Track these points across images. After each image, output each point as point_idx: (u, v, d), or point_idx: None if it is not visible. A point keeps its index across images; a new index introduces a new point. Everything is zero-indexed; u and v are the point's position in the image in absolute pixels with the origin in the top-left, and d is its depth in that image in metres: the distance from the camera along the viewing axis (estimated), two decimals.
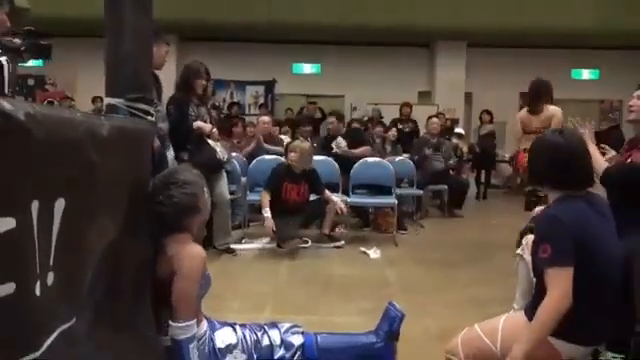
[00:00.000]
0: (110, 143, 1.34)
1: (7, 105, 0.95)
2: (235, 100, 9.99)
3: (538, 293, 1.85)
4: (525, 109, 4.02)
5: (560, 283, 1.67)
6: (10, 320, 0.98)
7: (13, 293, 0.98)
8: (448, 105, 9.55)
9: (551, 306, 1.66)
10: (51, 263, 1.13)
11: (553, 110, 3.70)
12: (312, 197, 4.49)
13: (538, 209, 2.41)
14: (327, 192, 4.38)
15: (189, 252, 1.75)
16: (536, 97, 3.81)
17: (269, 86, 10.26)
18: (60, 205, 1.13)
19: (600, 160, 2.23)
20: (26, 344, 1.04)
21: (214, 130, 3.85)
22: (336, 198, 4.34)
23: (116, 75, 1.81)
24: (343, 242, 4.48)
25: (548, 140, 1.92)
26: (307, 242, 4.44)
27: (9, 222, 0.95)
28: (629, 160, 2.22)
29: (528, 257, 2.30)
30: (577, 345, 1.80)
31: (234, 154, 5.91)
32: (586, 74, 10.31)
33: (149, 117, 1.84)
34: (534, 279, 1.95)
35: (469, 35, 9.24)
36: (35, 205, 1.04)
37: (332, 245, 4.40)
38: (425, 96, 10.13)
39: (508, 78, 10.05)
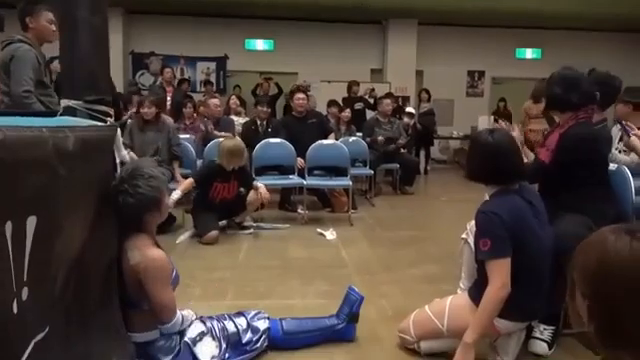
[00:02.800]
0: (76, 155, 1.36)
1: None
2: (186, 76, 9.69)
3: (480, 277, 2.05)
4: (530, 101, 5.46)
5: (500, 273, 1.87)
6: None
7: None
8: (400, 83, 9.74)
9: (493, 296, 1.87)
10: (25, 279, 1.17)
11: None
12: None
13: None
14: (255, 183, 4.37)
15: (153, 260, 1.81)
16: (539, 92, 4.96)
17: (221, 62, 10.05)
18: (32, 222, 1.16)
19: (527, 157, 2.45)
20: (6, 359, 1.08)
21: None
22: (263, 189, 4.30)
23: (72, 76, 1.80)
24: (252, 230, 4.47)
25: (480, 139, 2.10)
26: (225, 225, 4.47)
27: None
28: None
29: (472, 241, 2.50)
30: (515, 322, 2.02)
31: (187, 136, 5.82)
32: (529, 53, 10.75)
33: (109, 119, 1.85)
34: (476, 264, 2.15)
35: (420, 13, 9.38)
36: (9, 226, 1.07)
37: (246, 232, 4.42)
38: (377, 73, 10.27)
39: (457, 57, 10.34)
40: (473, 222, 2.44)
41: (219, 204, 4.30)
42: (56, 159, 1.24)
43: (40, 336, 1.25)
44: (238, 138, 4.74)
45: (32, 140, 1.15)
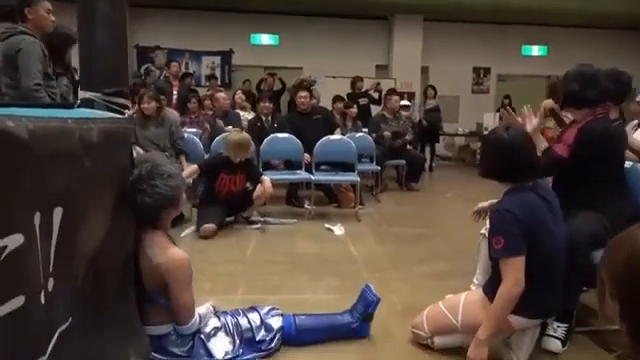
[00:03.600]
0: (99, 147, 1.36)
1: (10, 123, 0.96)
2: (191, 71, 9.64)
3: (494, 274, 2.05)
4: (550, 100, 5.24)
5: (513, 272, 1.87)
6: (21, 330, 1.02)
7: (23, 305, 1.01)
8: (405, 79, 9.71)
9: (506, 293, 1.87)
10: (51, 270, 1.17)
11: None
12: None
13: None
14: (263, 178, 4.35)
15: (174, 261, 1.82)
16: (556, 89, 4.77)
17: (226, 57, 10.03)
18: (58, 213, 1.16)
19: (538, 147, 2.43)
20: (35, 350, 1.08)
21: None
22: (267, 183, 4.28)
23: (90, 68, 1.80)
24: (259, 225, 4.46)
25: (494, 137, 2.09)
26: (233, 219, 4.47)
27: (18, 238, 0.98)
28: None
29: None
30: (529, 319, 2.02)
31: (193, 130, 5.81)
32: (535, 50, 10.70)
33: (127, 111, 1.84)
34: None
35: (426, 9, 9.34)
36: (37, 217, 1.07)
37: (253, 227, 4.41)
38: (383, 69, 10.24)
39: (462, 53, 10.31)
40: None
41: (225, 197, 4.29)
42: (82, 150, 1.23)
43: (64, 326, 1.25)
44: (244, 132, 4.74)
45: (59, 131, 1.14)
